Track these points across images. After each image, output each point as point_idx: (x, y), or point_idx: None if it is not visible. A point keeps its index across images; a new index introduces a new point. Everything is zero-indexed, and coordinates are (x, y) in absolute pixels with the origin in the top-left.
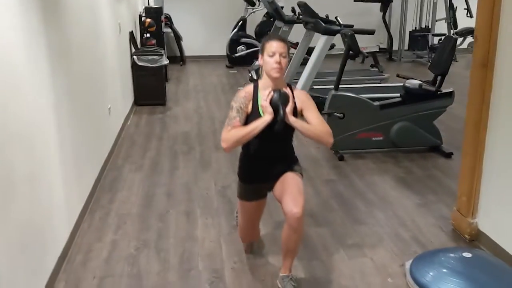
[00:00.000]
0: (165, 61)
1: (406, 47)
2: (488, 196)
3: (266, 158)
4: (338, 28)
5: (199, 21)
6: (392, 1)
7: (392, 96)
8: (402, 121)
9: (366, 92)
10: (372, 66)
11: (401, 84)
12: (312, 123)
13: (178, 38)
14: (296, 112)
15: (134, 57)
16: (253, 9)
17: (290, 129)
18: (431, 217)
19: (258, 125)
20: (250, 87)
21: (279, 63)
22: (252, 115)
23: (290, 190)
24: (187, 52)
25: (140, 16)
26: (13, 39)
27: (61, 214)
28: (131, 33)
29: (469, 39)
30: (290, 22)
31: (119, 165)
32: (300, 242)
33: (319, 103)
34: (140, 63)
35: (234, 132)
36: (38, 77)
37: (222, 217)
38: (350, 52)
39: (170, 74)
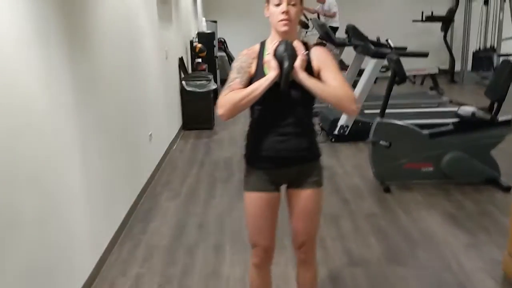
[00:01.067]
0: (213, 86)
1: (469, 68)
2: None
3: (277, 130)
4: (388, 51)
5: (253, 44)
6: (453, 20)
7: (444, 123)
8: (455, 151)
9: (418, 117)
10: (431, 88)
11: (446, 110)
12: (330, 84)
13: (232, 61)
14: (312, 72)
15: (183, 82)
16: (306, 32)
17: (303, 91)
18: (480, 261)
19: (260, 84)
20: (255, 45)
21: (287, 13)
22: (256, 77)
23: (301, 220)
24: None
25: (192, 42)
26: (27, 75)
27: (85, 247)
28: (181, 59)
29: None
30: (341, 45)
31: (157, 193)
32: (316, 283)
33: (369, 129)
34: (188, 89)
35: (232, 95)
36: (60, 111)
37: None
38: (396, 77)
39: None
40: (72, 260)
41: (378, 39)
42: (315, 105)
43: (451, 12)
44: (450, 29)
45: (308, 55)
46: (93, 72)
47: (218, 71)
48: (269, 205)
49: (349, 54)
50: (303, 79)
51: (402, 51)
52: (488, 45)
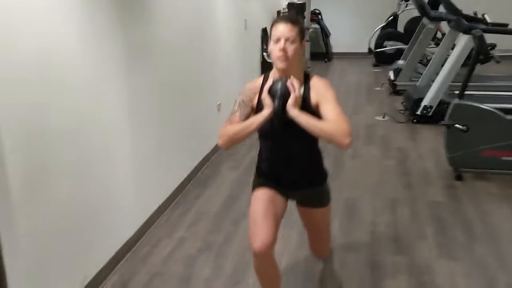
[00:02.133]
0: None
1: None
2: None
3: (280, 160)
4: (483, 27)
5: (350, 17)
6: None
7: None
8: None
9: (492, 101)
10: None
11: None
12: (325, 119)
13: (325, 34)
14: (310, 105)
15: (264, 54)
16: (406, 4)
17: (299, 127)
18: None
19: (254, 120)
20: (259, 79)
21: (284, 50)
22: (257, 111)
23: (314, 234)
24: (335, 49)
25: (279, 12)
26: (70, 38)
27: (132, 206)
28: (264, 30)
29: None
30: (435, 19)
31: (220, 162)
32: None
33: None
34: (269, 60)
35: (229, 128)
36: (107, 74)
37: (296, 230)
38: (480, 56)
39: (311, 71)
40: (117, 218)
41: (475, 13)
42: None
43: None
44: None
45: (307, 88)
46: (148, 36)
47: (309, 44)
48: (273, 201)
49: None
50: (295, 116)
51: (501, 28)
52: None
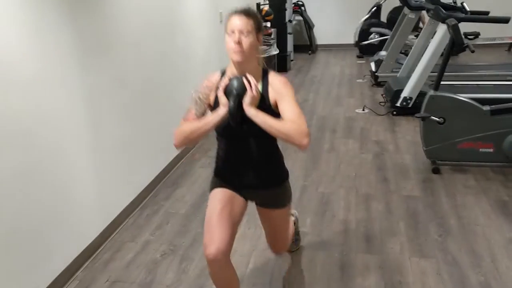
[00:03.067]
0: (274, 51)
1: None
2: None
3: (238, 159)
4: (462, 16)
5: (333, 8)
6: None
7: (506, 97)
8: None
9: (469, 91)
10: None
11: None
12: (283, 118)
13: (309, 26)
14: (269, 104)
15: None
16: None
17: (256, 126)
18: None
19: (210, 120)
20: (214, 75)
21: (239, 43)
22: (214, 108)
23: (272, 235)
24: (319, 40)
25: (258, 4)
26: (14, 36)
27: (93, 210)
28: None
29: None
30: (416, 9)
31: (195, 159)
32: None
33: None
34: None
35: (184, 127)
36: (59, 71)
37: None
38: (454, 46)
39: (294, 63)
40: (76, 223)
41: (455, 2)
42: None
43: None
44: None
45: (265, 85)
46: (105, 30)
47: (290, 36)
48: (230, 202)
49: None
50: (252, 116)
51: (481, 16)
52: None
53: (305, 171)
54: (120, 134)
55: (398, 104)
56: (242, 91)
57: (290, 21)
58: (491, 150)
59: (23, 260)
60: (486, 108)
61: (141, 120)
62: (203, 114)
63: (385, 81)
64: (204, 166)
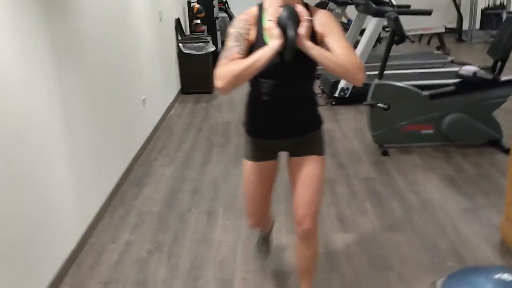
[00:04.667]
0: (212, 48)
1: (477, 27)
2: None
3: (278, 103)
4: (390, 9)
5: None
6: None
7: (446, 83)
8: (456, 113)
9: (420, 78)
10: (437, 48)
11: (447, 70)
12: (335, 52)
13: None
14: (316, 39)
15: (180, 45)
16: None
17: (307, 60)
18: (478, 225)
19: (262, 54)
20: (253, 9)
21: None
22: (256, 45)
23: (303, 190)
24: None
25: (189, 2)
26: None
27: (71, 214)
28: (177, 20)
29: None
30: (342, 4)
31: (152, 158)
32: (316, 260)
33: None
34: (185, 51)
35: (232, 66)
36: (38, 75)
37: (244, 218)
38: (395, 37)
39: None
40: (57, 229)
41: None
42: (318, 67)
43: None
44: None
45: (311, 20)
46: (75, 31)
47: (219, 33)
48: (265, 174)
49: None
50: (308, 48)
51: (404, 9)
52: (498, 2)
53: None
54: (90, 136)
55: (336, 95)
56: (297, 21)
57: (216, 18)
58: (432, 131)
59: (13, 273)
60: (426, 93)
61: (104, 122)
62: (245, 51)
63: (319, 74)
64: (164, 165)
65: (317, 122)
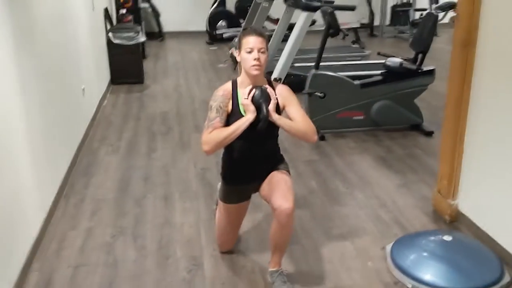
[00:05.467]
0: (142, 38)
1: (388, 23)
2: (468, 178)
3: (251, 158)
4: (318, 4)
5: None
6: None
7: (373, 74)
8: (383, 100)
9: (347, 70)
10: (353, 42)
11: (383, 62)
12: (295, 120)
13: (156, 13)
14: (278, 109)
15: (110, 34)
16: None
17: (274, 127)
18: (412, 198)
19: (240, 125)
20: (228, 85)
21: (258, 59)
22: (233, 115)
23: (278, 187)
24: (166, 27)
25: None
26: None
27: (32, 201)
28: (106, 10)
29: (451, 13)
30: None
31: (95, 148)
32: (290, 238)
33: (301, 81)
34: (116, 41)
35: (216, 134)
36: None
37: (201, 200)
38: (330, 30)
39: (148, 50)
40: (26, 208)
41: None
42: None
43: None
44: None
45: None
46: (29, 19)
47: (143, 24)
48: (241, 210)
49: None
50: (276, 120)
51: (331, 4)
52: (405, 0)
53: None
54: (43, 125)
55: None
56: (267, 99)
57: (140, 8)
58: (362, 117)
59: None
60: (357, 82)
61: (52, 111)
62: (224, 121)
63: None
64: (109, 154)
65: (280, 161)
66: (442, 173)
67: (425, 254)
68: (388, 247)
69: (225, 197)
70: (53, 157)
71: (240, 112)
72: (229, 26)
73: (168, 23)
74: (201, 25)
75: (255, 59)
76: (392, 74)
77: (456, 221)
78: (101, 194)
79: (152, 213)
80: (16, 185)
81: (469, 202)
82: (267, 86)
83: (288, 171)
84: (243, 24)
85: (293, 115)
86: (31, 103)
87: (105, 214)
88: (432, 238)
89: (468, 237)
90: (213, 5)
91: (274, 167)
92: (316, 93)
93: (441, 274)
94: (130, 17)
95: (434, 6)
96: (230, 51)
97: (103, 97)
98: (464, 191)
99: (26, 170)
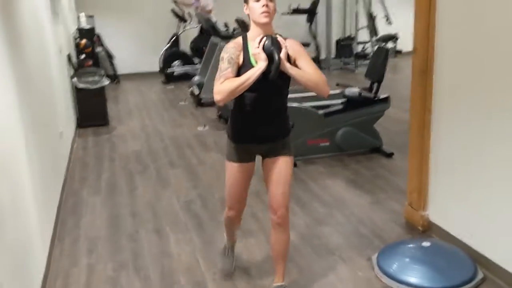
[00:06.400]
0: (106, 82)
1: (333, 56)
2: (436, 191)
3: (260, 112)
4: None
5: (130, 38)
6: (317, 12)
7: (334, 103)
8: (346, 127)
9: (310, 100)
10: None
11: (338, 92)
12: (306, 71)
13: (110, 56)
14: (289, 62)
15: (74, 79)
16: (185, 26)
17: (286, 78)
18: (385, 213)
19: (253, 73)
20: (238, 39)
21: (267, 6)
22: (244, 67)
23: (277, 184)
24: (120, 70)
25: (74, 38)
26: None
27: (37, 242)
28: (69, 56)
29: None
30: (226, 38)
31: (77, 189)
32: (289, 244)
33: None
34: (80, 85)
35: (228, 83)
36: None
37: (192, 232)
38: None
39: (107, 93)
40: (34, 248)
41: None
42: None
43: (315, 5)
44: (314, 20)
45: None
46: (25, 71)
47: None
48: (244, 173)
49: None
50: (289, 68)
51: None
52: (347, 34)
53: (193, 183)
54: (40, 168)
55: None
56: (279, 47)
57: (97, 52)
58: (328, 143)
59: None
60: (321, 112)
61: (46, 154)
62: (236, 72)
63: (208, 102)
64: (91, 195)
65: (288, 130)
66: (412, 188)
67: (407, 260)
68: (374, 257)
69: (230, 155)
70: (48, 199)
71: (252, 63)
72: (184, 65)
73: (122, 65)
74: (155, 66)
75: (263, 5)
76: (352, 103)
77: (428, 230)
78: (94, 232)
79: (147, 246)
80: (27, 224)
81: (439, 212)
82: (277, 35)
83: (292, 153)
84: (198, 64)
85: (304, 67)
86: (32, 150)
87: (102, 251)
88: (413, 245)
89: (443, 242)
90: (166, 46)
91: (281, 137)
92: None
93: (425, 276)
94: (91, 62)
95: (374, 38)
96: (190, 89)
97: (73, 140)
98: (433, 203)
99: (32, 214)
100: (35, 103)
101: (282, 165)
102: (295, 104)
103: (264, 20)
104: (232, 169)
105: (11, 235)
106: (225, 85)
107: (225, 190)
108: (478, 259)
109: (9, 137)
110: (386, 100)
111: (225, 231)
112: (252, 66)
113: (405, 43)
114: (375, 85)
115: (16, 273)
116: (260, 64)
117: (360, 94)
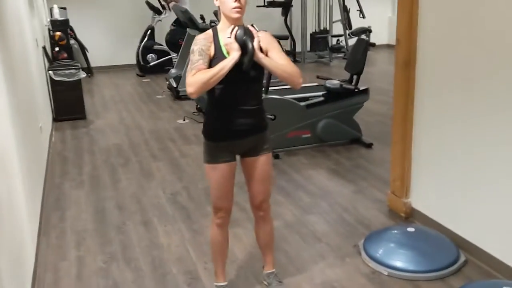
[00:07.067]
0: (82, 74)
1: (308, 49)
2: (418, 178)
3: (236, 105)
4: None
5: (104, 31)
6: (292, 6)
7: (316, 95)
8: (326, 118)
9: (291, 93)
10: None
11: (316, 84)
12: (279, 62)
13: (83, 49)
14: (262, 52)
15: (50, 72)
16: (160, 17)
17: (259, 68)
18: (368, 201)
19: (226, 63)
20: (209, 31)
21: (239, 1)
22: (216, 59)
23: (259, 183)
24: (93, 63)
25: (49, 30)
26: None
27: (27, 235)
28: (44, 48)
29: (364, 37)
30: (204, 30)
31: (58, 183)
32: (273, 233)
33: None
34: (57, 78)
35: (200, 75)
36: None
37: (180, 223)
38: None
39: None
40: (26, 240)
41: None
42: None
43: None
44: (289, 13)
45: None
46: (10, 51)
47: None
48: (229, 174)
49: None
50: (262, 58)
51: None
52: (322, 28)
53: (176, 175)
54: (28, 163)
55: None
56: (251, 37)
57: (71, 45)
58: (309, 135)
59: None
60: (303, 104)
61: (30, 148)
62: (208, 63)
63: (185, 95)
64: (75, 188)
65: (265, 122)
66: (395, 176)
67: (393, 245)
68: (360, 244)
69: (209, 156)
70: (33, 193)
71: (224, 55)
72: (159, 58)
73: (95, 58)
74: (129, 59)
75: (235, 1)
76: (333, 95)
77: (411, 216)
78: (80, 225)
79: (136, 238)
80: (19, 217)
81: (421, 199)
82: (249, 26)
83: (271, 149)
84: (174, 56)
85: (277, 59)
86: (20, 143)
87: (91, 243)
88: (398, 231)
89: (427, 227)
90: (142, 39)
91: (260, 130)
92: (267, 115)
93: (410, 260)
94: (66, 54)
95: (348, 31)
96: (167, 82)
97: (51, 134)
98: (416, 190)
99: (22, 208)
100: (20, 95)
101: (263, 163)
102: (277, 96)
103: (235, 16)
104: (214, 172)
105: (8, 227)
106: (197, 77)
107: (211, 195)
108: (459, 243)
109: (1, 129)
110: (366, 91)
111: (212, 257)
112: (224, 57)
113: (379, 36)
114: (355, 77)
115: (14, 266)
116: (233, 54)
117: (341, 85)
